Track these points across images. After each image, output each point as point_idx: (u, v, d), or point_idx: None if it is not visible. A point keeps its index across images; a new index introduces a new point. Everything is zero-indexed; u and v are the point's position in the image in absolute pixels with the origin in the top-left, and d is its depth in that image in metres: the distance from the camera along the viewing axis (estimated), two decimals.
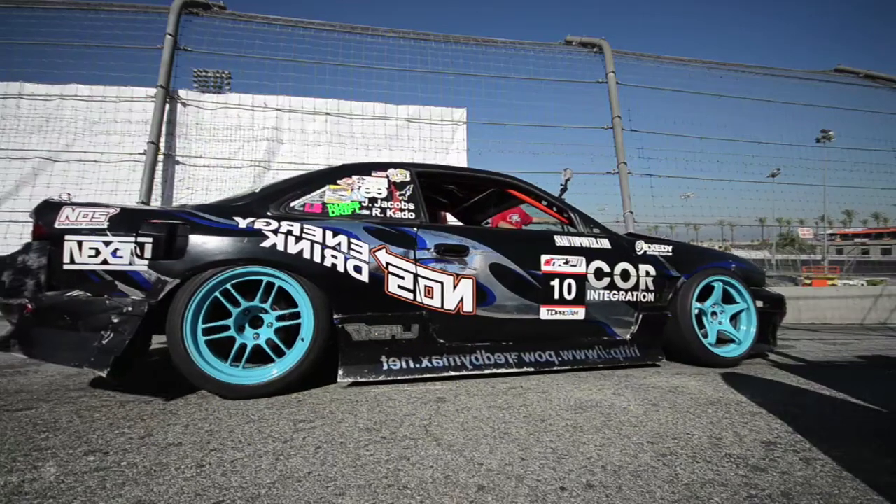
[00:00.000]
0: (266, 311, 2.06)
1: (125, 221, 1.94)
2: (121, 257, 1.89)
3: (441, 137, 6.96)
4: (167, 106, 6.05)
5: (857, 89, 8.11)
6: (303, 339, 2.05)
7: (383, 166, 2.50)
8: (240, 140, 6.44)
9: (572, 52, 7.24)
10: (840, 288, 7.90)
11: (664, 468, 1.27)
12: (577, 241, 2.62)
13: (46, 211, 1.93)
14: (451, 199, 3.81)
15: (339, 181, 2.37)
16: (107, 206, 2.01)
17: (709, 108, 7.61)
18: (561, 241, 2.59)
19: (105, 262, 1.88)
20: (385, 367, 2.17)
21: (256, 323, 2.07)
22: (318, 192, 2.32)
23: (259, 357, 2.04)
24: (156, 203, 5.89)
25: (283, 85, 6.58)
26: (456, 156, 6.99)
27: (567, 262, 2.53)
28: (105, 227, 1.91)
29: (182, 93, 6.32)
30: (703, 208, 7.10)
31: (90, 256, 1.87)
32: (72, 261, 1.86)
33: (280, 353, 2.05)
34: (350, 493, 1.10)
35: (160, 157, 5.98)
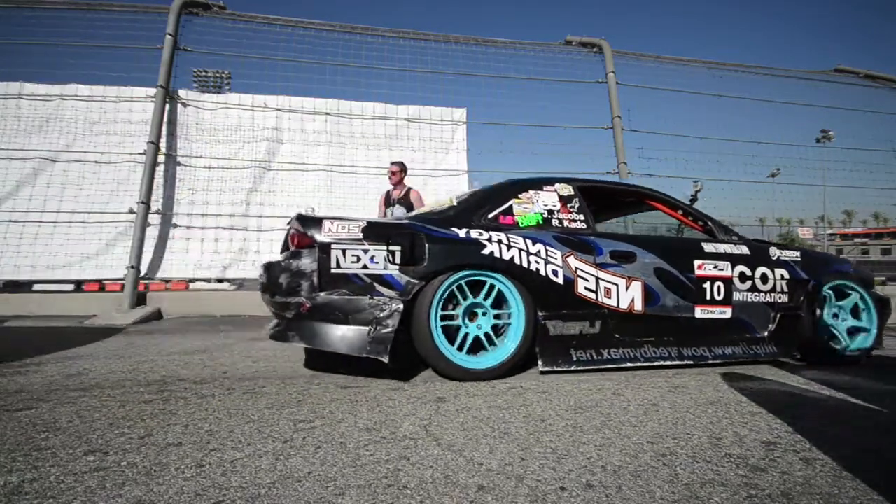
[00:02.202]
0: (484, 308, 2.38)
1: (374, 232, 2.26)
2: (377, 263, 2.21)
3: (441, 137, 6.95)
4: (167, 106, 6.05)
5: (857, 89, 8.11)
6: (517, 334, 2.35)
7: (550, 181, 2.80)
8: (240, 140, 6.43)
9: (572, 52, 7.24)
10: None
11: (664, 468, 1.27)
12: (722, 248, 2.86)
13: (311, 224, 2.23)
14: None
15: (520, 195, 2.67)
16: (355, 219, 2.31)
17: (709, 108, 7.62)
18: (708, 247, 2.83)
19: (365, 266, 2.20)
20: (574, 358, 2.44)
21: (472, 318, 2.38)
22: (507, 205, 2.61)
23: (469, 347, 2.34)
24: (157, 203, 5.90)
25: (283, 85, 6.58)
26: (455, 156, 6.98)
27: (716, 267, 2.77)
28: (361, 237, 2.23)
29: (182, 93, 6.31)
30: (702, 208, 7.09)
31: (353, 262, 2.19)
32: (338, 266, 2.18)
33: (492, 345, 2.37)
34: (350, 493, 1.10)
35: (161, 158, 5.98)
